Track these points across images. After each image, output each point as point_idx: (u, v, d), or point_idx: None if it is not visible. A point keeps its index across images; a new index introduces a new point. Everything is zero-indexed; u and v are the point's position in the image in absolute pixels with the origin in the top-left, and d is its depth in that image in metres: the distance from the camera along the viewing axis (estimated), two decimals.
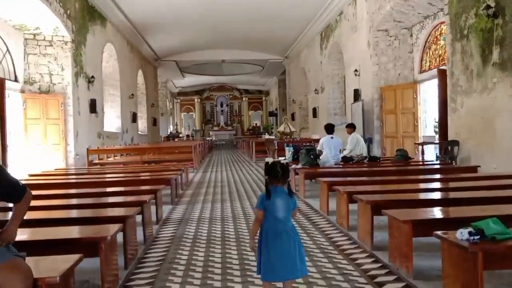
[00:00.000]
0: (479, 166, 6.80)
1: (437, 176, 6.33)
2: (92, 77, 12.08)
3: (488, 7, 6.67)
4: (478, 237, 2.39)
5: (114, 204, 4.43)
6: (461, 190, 4.62)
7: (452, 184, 5.04)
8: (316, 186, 7.08)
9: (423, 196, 4.52)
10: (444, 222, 3.20)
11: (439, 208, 3.73)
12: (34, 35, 10.39)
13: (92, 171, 8.69)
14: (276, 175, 2.57)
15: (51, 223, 3.48)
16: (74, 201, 4.87)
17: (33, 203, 4.18)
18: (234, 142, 31.89)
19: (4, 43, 9.70)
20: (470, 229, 2.43)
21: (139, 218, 4.29)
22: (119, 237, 3.38)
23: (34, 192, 5.00)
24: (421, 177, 6.29)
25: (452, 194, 4.32)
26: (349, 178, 6.12)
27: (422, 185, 5.26)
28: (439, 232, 2.64)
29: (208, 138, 31.94)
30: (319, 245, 4.11)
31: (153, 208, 5.14)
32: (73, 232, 3.11)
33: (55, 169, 9.10)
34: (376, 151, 11.56)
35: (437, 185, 5.27)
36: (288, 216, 2.60)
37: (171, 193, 6.88)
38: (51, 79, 10.58)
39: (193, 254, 3.91)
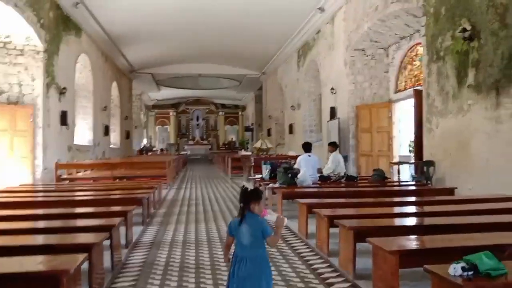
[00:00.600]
0: (456, 188, 6.81)
1: (417, 199, 6.28)
2: (64, 88, 11.64)
3: (464, 30, 6.75)
4: (472, 272, 2.26)
5: (80, 228, 4.11)
6: (444, 215, 4.50)
7: (433, 209, 4.93)
8: (294, 206, 6.90)
9: (406, 222, 4.39)
10: (433, 253, 3.05)
11: (425, 236, 3.58)
12: (5, 43, 9.93)
13: (59, 188, 8.25)
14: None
15: (9, 251, 3.15)
16: (37, 224, 4.49)
17: None
18: (209, 157, 31.51)
19: None
20: (463, 264, 2.30)
21: (107, 241, 4.00)
22: (85, 264, 3.10)
23: None
24: (401, 199, 6.22)
25: (436, 220, 4.18)
26: (328, 200, 5.96)
27: (404, 209, 5.13)
28: (429, 266, 2.49)
29: (183, 152, 31.49)
30: (298, 272, 3.92)
31: (122, 229, 4.84)
32: (33, 263, 2.81)
33: (20, 185, 8.62)
34: (352, 170, 11.54)
35: (419, 209, 5.15)
36: (255, 243, 2.52)
37: (142, 213, 6.55)
38: (21, 89, 10.11)
39: (165, 284, 3.64)
